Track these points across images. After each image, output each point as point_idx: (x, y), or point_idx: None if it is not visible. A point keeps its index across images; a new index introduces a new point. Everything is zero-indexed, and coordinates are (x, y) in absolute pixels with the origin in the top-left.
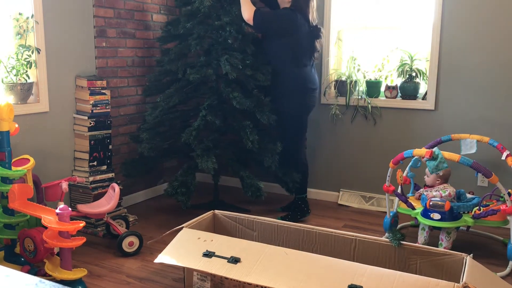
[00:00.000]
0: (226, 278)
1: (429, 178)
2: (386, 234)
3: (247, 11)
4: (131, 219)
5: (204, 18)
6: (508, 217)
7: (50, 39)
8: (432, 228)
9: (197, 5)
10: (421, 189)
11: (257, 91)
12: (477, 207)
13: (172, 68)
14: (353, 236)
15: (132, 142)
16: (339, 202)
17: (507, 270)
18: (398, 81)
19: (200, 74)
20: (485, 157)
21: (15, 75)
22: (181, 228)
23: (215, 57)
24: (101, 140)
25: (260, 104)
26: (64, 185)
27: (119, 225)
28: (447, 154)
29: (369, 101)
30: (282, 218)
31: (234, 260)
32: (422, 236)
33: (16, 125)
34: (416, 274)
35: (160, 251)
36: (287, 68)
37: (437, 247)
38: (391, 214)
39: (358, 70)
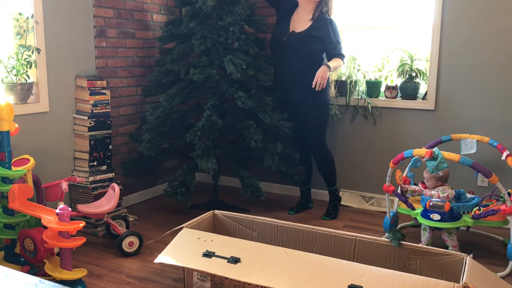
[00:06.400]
0: (226, 278)
1: (429, 183)
2: (386, 234)
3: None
4: (131, 219)
5: (205, 18)
6: (508, 217)
7: (50, 39)
8: (433, 228)
9: (199, 5)
10: (420, 187)
11: (255, 91)
12: (477, 207)
13: (175, 68)
14: (353, 236)
15: (132, 142)
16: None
17: (507, 270)
18: (398, 81)
19: (203, 74)
20: (485, 157)
21: (15, 75)
22: (181, 228)
23: (216, 57)
24: (101, 140)
25: (263, 104)
26: (64, 185)
27: (119, 225)
28: (447, 154)
29: (369, 101)
30: (327, 215)
31: (234, 260)
32: (424, 236)
33: (16, 125)
34: (416, 274)
35: (160, 251)
36: None
37: (440, 247)
38: (391, 214)
39: (358, 70)
